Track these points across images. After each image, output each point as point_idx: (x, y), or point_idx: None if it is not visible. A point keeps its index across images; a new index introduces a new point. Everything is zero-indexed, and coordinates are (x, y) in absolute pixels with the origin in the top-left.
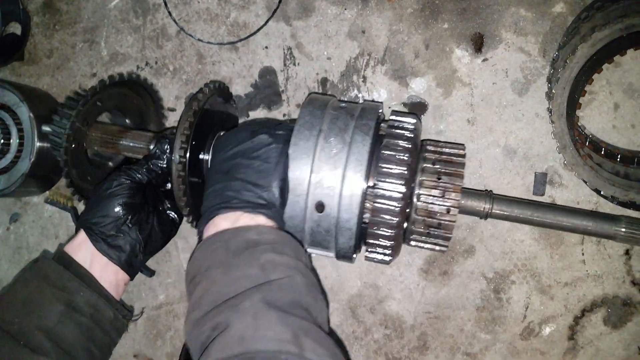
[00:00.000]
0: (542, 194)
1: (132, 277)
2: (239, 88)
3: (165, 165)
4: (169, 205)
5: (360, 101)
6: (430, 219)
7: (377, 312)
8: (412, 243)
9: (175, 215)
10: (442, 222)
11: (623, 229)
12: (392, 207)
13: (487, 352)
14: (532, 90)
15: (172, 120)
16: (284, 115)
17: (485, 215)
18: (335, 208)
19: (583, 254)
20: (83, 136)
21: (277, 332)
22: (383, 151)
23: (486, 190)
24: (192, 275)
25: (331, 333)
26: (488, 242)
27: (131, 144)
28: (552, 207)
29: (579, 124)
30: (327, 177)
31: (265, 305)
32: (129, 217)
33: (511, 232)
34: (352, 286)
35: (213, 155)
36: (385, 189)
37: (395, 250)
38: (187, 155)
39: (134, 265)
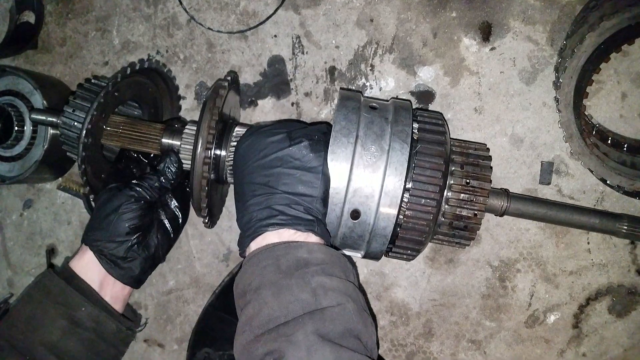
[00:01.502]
0: (549, 183)
1: (138, 288)
2: (248, 77)
3: (174, 180)
4: (176, 204)
5: (369, 91)
6: (457, 222)
7: (383, 299)
8: (435, 241)
9: (180, 214)
10: (469, 224)
11: (625, 226)
12: (426, 215)
13: (492, 340)
14: (540, 80)
15: (183, 108)
16: (293, 104)
17: (501, 213)
18: (372, 216)
19: (588, 243)
20: (100, 130)
21: None
22: (419, 158)
23: (502, 188)
24: (241, 290)
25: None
26: (494, 230)
27: (151, 140)
28: (563, 205)
29: (586, 113)
30: (365, 185)
31: (319, 338)
32: (139, 240)
33: (517, 221)
34: (359, 273)
35: (242, 157)
36: (420, 196)
37: (421, 251)
38: (212, 155)
39: (142, 280)
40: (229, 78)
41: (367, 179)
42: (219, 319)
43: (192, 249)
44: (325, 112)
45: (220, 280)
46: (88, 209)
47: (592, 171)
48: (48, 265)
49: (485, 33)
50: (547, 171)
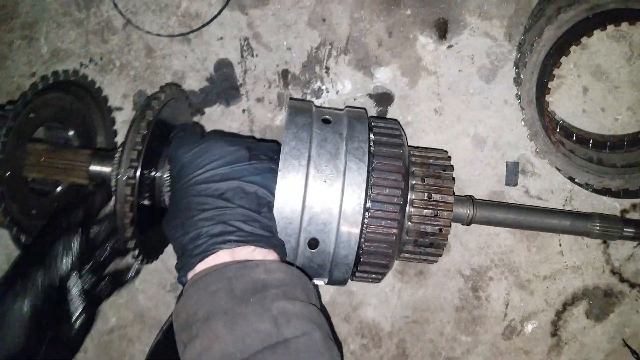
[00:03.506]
0: (515, 184)
1: None
2: (193, 82)
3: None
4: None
5: (325, 94)
6: (422, 239)
7: (352, 321)
8: (402, 259)
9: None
10: (434, 241)
11: (597, 226)
12: (388, 237)
13: (469, 355)
14: (500, 77)
15: (119, 120)
16: (244, 110)
17: (468, 222)
18: (332, 244)
19: (560, 245)
20: (19, 160)
21: None
22: (376, 176)
23: (467, 195)
24: (184, 321)
25: None
26: (462, 237)
27: (77, 169)
28: (531, 209)
29: (549, 110)
30: (322, 211)
31: None
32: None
33: (486, 226)
34: (324, 293)
35: (187, 165)
36: (380, 217)
37: (387, 273)
38: (137, 174)
39: None
40: (166, 88)
41: (323, 204)
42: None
43: (135, 280)
44: (280, 119)
45: (168, 314)
46: (15, 241)
47: (559, 170)
48: None
49: (442, 30)
50: (513, 172)
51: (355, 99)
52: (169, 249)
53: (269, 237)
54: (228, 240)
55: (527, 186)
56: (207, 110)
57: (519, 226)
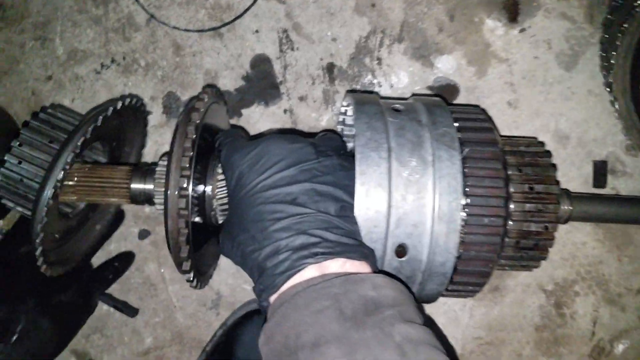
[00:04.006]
0: (604, 186)
1: None
2: (228, 82)
3: None
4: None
5: (377, 89)
6: (525, 240)
7: None
8: (497, 268)
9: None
10: (539, 241)
11: None
12: (493, 238)
13: None
14: (582, 63)
15: (150, 124)
16: (285, 110)
17: (565, 220)
18: (424, 251)
19: None
20: (61, 188)
21: None
22: (470, 165)
23: (562, 188)
24: (284, 345)
25: None
26: None
27: (117, 187)
28: (634, 199)
29: None
30: (411, 211)
31: None
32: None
33: (571, 234)
34: None
35: (248, 169)
36: (482, 214)
37: (485, 284)
38: (190, 185)
39: None
40: (208, 90)
41: (413, 203)
42: None
43: (172, 296)
44: (326, 119)
45: (210, 334)
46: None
47: None
48: None
49: (512, 12)
50: (601, 171)
51: (412, 93)
52: None
53: (357, 246)
54: (315, 254)
55: (617, 188)
56: (244, 111)
57: (623, 221)
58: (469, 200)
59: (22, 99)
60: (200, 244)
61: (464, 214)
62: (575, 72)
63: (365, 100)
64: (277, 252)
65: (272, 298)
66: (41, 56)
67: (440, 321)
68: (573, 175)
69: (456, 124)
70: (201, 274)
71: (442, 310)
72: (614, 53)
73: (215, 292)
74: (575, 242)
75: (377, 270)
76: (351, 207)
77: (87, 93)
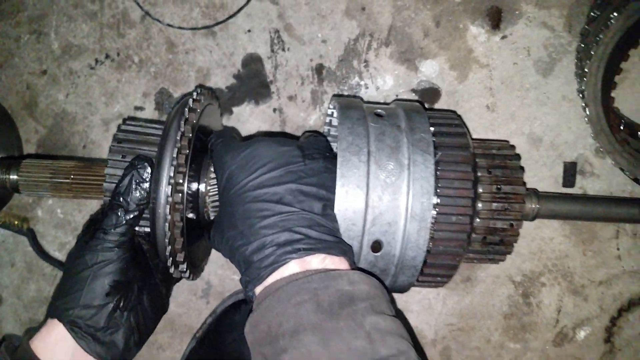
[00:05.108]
0: (572, 186)
1: None
2: (219, 80)
3: (143, 202)
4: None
5: (364, 91)
6: (491, 236)
7: None
8: (466, 260)
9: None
10: (505, 237)
11: None
12: (459, 234)
13: None
14: (558, 70)
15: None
16: (275, 109)
17: (533, 217)
18: (397, 246)
19: (618, 249)
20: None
21: None
22: (442, 168)
23: (530, 188)
24: (267, 333)
25: None
26: None
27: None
28: (598, 199)
29: (614, 106)
30: (386, 210)
31: None
32: (122, 302)
33: (539, 230)
34: None
35: (238, 169)
36: (450, 213)
37: (453, 275)
38: (186, 180)
39: None
40: (204, 91)
41: (388, 203)
42: None
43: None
44: (314, 118)
45: (200, 321)
46: (34, 246)
47: (623, 170)
48: None
49: (495, 19)
50: (571, 172)
51: (397, 96)
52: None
53: (337, 243)
54: (298, 250)
55: (585, 187)
56: (235, 109)
57: (586, 218)
58: (439, 200)
59: (17, 93)
60: (194, 239)
61: (435, 213)
62: (551, 79)
63: (350, 105)
64: (263, 247)
65: (258, 289)
66: (36, 50)
67: (415, 309)
68: (544, 176)
69: (432, 129)
70: (194, 267)
71: (417, 299)
72: (588, 62)
73: (205, 282)
74: (543, 237)
75: (355, 265)
76: (333, 206)
77: (81, 88)
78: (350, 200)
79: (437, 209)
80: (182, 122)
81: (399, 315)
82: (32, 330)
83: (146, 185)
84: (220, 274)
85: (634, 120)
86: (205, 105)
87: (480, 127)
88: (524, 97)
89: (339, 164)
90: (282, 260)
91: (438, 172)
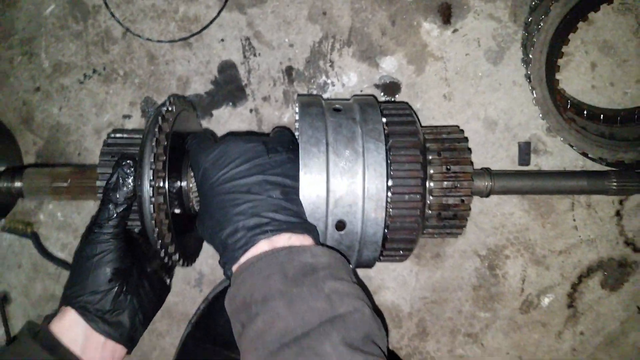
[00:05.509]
0: (528, 164)
1: (130, 351)
2: (198, 86)
3: (131, 194)
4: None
5: (331, 88)
6: (445, 212)
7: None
8: (426, 235)
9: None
10: (458, 212)
11: (614, 182)
12: (413, 211)
13: (488, 331)
14: (507, 58)
15: (129, 127)
16: (251, 110)
17: (487, 194)
18: (358, 224)
19: (574, 220)
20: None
21: None
22: (394, 153)
23: (483, 168)
24: (242, 302)
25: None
26: (477, 218)
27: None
28: (547, 173)
29: (559, 88)
30: (346, 194)
31: (347, 347)
32: (124, 286)
33: (500, 206)
34: None
35: (212, 166)
36: (403, 192)
37: (413, 249)
38: (166, 182)
39: (134, 339)
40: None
41: (347, 187)
42: (201, 349)
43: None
44: (287, 116)
45: (195, 308)
46: (38, 248)
47: (572, 146)
48: (2, 314)
49: (446, 15)
50: (525, 152)
51: (361, 91)
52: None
53: (301, 223)
54: (265, 231)
55: (540, 165)
56: (214, 112)
57: (538, 191)
58: (392, 182)
59: (14, 109)
60: (184, 229)
61: (390, 193)
62: (501, 66)
63: (310, 103)
64: (236, 232)
65: (234, 267)
66: (29, 69)
67: (391, 285)
68: (501, 156)
69: (384, 119)
70: (189, 254)
71: (392, 276)
72: (532, 48)
73: (198, 272)
74: (504, 212)
75: (319, 243)
76: (297, 191)
77: (72, 102)
78: (313, 186)
79: (391, 190)
80: (157, 131)
81: (361, 284)
82: (50, 317)
83: (130, 180)
84: (211, 264)
85: (579, 99)
86: (178, 112)
87: (439, 115)
88: (478, 85)
89: (301, 155)
90: (252, 241)
91: (390, 158)
